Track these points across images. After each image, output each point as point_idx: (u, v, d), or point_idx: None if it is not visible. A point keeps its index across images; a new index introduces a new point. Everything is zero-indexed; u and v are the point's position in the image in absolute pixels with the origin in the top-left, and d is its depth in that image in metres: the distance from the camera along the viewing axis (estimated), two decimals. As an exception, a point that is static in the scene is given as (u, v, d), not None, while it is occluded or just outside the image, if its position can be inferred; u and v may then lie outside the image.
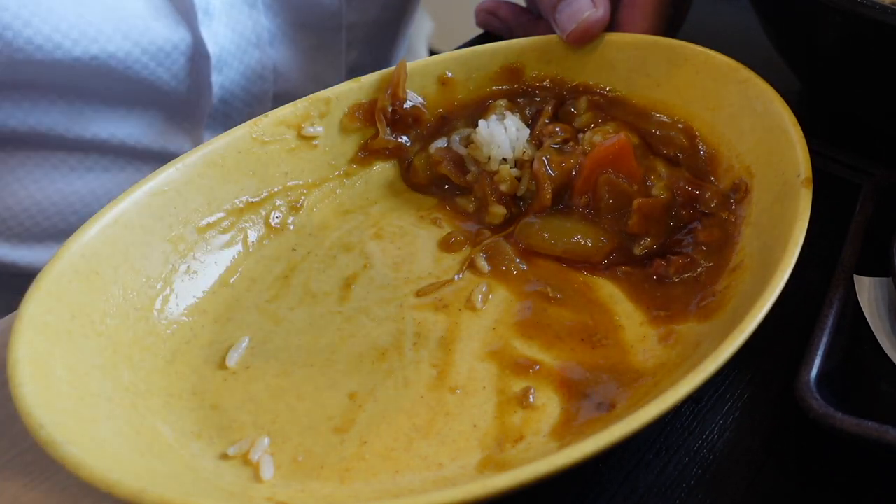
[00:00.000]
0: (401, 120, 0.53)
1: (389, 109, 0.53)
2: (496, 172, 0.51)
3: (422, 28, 0.96)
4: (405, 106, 0.53)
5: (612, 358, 0.43)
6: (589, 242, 0.48)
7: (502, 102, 0.54)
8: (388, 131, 0.53)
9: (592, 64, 0.54)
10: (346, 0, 0.70)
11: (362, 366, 0.44)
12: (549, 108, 0.53)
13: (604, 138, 0.50)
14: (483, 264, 0.48)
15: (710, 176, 0.49)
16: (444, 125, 0.54)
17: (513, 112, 0.53)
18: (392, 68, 0.53)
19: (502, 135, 0.51)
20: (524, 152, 0.51)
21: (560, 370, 0.43)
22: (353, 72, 0.75)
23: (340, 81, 0.52)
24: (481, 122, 0.52)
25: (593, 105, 0.53)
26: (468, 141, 0.53)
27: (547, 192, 0.49)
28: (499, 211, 0.50)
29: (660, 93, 0.53)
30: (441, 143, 0.53)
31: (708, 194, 0.48)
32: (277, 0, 0.67)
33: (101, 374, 0.40)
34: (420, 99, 0.54)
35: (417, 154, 0.53)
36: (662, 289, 0.46)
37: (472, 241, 0.50)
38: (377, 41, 0.76)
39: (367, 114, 0.53)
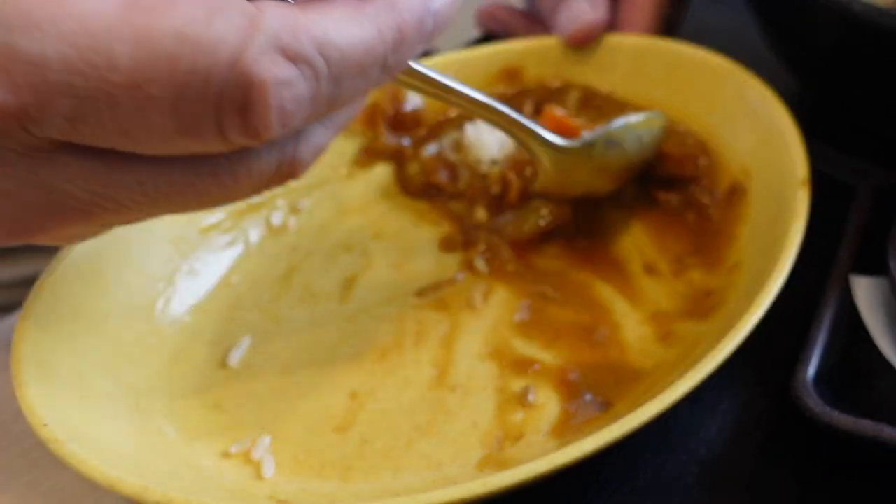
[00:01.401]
0: (401, 122, 0.54)
1: (390, 112, 0.53)
2: (487, 175, 0.51)
3: None
4: (405, 108, 0.53)
5: (610, 357, 0.43)
6: (555, 208, 0.48)
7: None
8: (388, 134, 0.53)
9: (592, 65, 0.55)
10: None
11: (363, 365, 0.44)
12: (528, 104, 0.53)
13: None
14: (481, 265, 0.48)
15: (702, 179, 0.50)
16: (438, 129, 0.54)
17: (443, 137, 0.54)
18: None
19: (489, 136, 0.51)
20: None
21: (559, 369, 0.43)
22: None
23: None
24: (468, 125, 0.52)
25: (583, 102, 0.53)
26: (459, 145, 0.53)
27: (513, 195, 0.50)
28: (482, 216, 0.50)
29: (658, 94, 0.53)
30: (432, 148, 0.53)
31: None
32: None
33: (103, 373, 0.40)
34: (420, 101, 0.54)
35: (410, 161, 0.53)
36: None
37: (469, 244, 0.50)
38: None
39: (367, 116, 0.53)
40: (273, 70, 0.26)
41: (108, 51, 0.25)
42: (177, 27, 0.25)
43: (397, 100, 0.53)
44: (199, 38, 0.25)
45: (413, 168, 0.53)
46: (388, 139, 0.53)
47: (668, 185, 0.49)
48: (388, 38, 0.29)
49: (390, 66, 0.30)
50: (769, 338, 0.43)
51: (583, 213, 0.49)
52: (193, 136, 0.27)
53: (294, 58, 0.26)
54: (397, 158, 0.54)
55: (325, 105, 0.28)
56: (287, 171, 0.31)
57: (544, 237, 0.49)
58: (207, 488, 0.37)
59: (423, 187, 0.53)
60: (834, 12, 0.45)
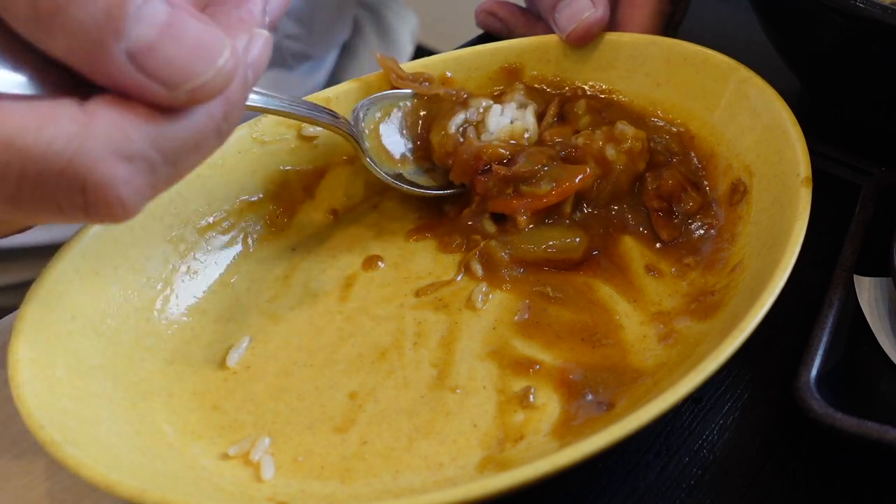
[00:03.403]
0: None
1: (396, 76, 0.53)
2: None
3: (406, 23, 0.96)
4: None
5: (611, 357, 0.43)
6: (566, 241, 0.48)
7: (520, 86, 0.54)
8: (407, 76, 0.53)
9: (592, 63, 0.54)
10: None
11: (363, 365, 0.44)
12: (553, 108, 0.53)
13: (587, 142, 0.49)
14: (477, 268, 0.48)
15: (702, 182, 0.49)
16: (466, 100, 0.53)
17: (527, 104, 0.53)
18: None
19: (510, 118, 0.50)
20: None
21: (560, 370, 0.43)
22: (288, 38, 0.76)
23: None
24: (496, 108, 0.51)
25: (591, 108, 0.53)
26: (481, 123, 0.52)
27: (523, 222, 0.49)
28: (489, 227, 0.50)
29: (659, 92, 0.53)
30: (459, 119, 0.52)
31: (690, 204, 0.48)
32: None
33: (101, 374, 0.40)
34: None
35: (434, 130, 0.52)
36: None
37: (466, 247, 0.49)
38: None
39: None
40: (108, 171, 0.29)
41: None
42: (6, 134, 0.28)
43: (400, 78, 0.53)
44: (27, 146, 0.28)
45: (436, 137, 0.52)
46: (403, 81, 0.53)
47: (667, 212, 0.49)
48: (217, 114, 0.31)
49: (224, 131, 0.32)
50: (771, 338, 0.43)
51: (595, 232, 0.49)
52: (41, 219, 0.31)
53: (129, 157, 0.29)
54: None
55: (165, 183, 0.31)
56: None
57: (549, 264, 0.48)
58: (206, 490, 0.37)
59: (445, 159, 0.51)
60: (837, 9, 0.45)
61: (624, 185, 0.49)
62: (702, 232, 0.48)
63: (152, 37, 0.28)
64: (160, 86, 0.29)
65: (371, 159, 0.50)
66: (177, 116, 0.30)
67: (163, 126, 0.30)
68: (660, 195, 0.48)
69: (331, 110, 0.48)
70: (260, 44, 0.33)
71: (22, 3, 0.27)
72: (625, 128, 0.50)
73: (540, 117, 0.53)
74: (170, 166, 0.31)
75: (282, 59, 0.77)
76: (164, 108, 0.30)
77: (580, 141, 0.50)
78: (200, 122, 0.31)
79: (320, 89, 0.86)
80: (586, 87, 0.55)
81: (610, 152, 0.49)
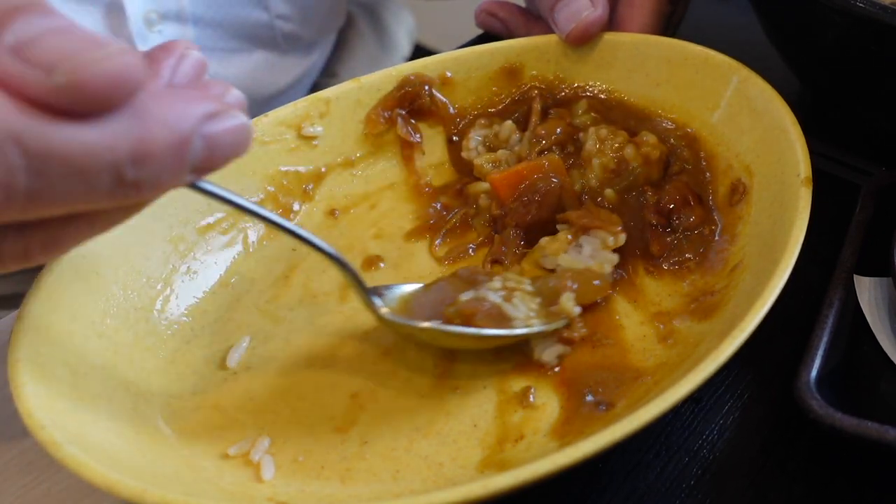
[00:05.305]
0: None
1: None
2: None
3: (402, 23, 0.97)
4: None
5: (612, 357, 0.43)
6: None
7: (482, 121, 0.54)
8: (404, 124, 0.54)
9: (591, 63, 0.54)
10: None
11: (363, 366, 0.44)
12: (536, 105, 0.53)
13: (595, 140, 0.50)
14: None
15: (708, 190, 0.49)
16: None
17: (491, 126, 0.53)
18: (390, 70, 0.53)
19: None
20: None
21: (560, 369, 0.43)
22: (280, 17, 0.77)
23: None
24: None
25: (593, 108, 0.53)
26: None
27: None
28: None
29: (659, 92, 0.53)
30: (477, 136, 0.53)
31: (692, 218, 0.48)
32: None
33: (101, 374, 0.40)
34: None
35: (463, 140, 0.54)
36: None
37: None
38: None
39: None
40: None
41: None
42: None
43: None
44: None
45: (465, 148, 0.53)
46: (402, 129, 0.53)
47: (664, 227, 0.49)
48: (120, 147, 0.27)
49: (133, 179, 0.28)
50: (771, 338, 0.43)
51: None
52: None
53: None
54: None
55: (24, 196, 0.27)
56: (12, 257, 0.31)
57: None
58: (206, 490, 0.37)
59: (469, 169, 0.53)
60: (837, 9, 0.45)
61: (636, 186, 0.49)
62: (702, 235, 0.48)
63: (38, 33, 0.26)
64: (39, 71, 0.26)
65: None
66: (57, 118, 0.27)
67: (33, 120, 0.26)
68: (659, 211, 0.48)
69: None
70: (229, 123, 0.30)
71: None
72: (648, 136, 0.50)
73: (525, 120, 0.54)
74: (32, 176, 0.27)
75: (274, 40, 0.77)
76: (46, 104, 0.26)
77: (602, 132, 0.49)
78: (91, 143, 0.27)
79: (313, 74, 0.86)
80: (587, 88, 0.55)
81: (628, 151, 0.49)
